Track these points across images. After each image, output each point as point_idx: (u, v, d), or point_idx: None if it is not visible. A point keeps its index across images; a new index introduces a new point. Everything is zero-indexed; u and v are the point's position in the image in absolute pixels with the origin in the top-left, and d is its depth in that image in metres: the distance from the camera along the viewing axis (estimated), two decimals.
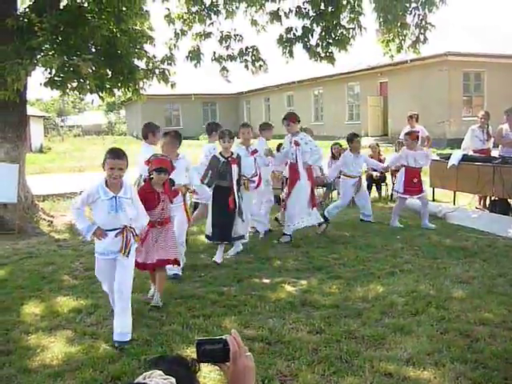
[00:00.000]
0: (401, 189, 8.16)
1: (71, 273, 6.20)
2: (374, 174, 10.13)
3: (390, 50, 9.42)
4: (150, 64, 9.62)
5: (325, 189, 10.95)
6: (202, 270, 6.14)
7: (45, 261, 6.71)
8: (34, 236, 8.37)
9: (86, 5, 9.07)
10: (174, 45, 9.53)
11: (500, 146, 9.36)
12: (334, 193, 11.07)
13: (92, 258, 6.68)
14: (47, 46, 8.07)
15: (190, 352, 3.95)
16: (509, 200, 8.61)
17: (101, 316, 4.76)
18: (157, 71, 9.46)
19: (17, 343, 4.23)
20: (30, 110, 23.29)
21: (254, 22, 9.98)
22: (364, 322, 4.40)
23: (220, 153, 6.52)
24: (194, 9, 10.20)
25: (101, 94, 9.12)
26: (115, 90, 9.40)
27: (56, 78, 8.16)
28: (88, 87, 8.54)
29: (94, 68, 8.45)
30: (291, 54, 9.12)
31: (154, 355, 3.77)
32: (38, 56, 7.98)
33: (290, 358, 3.80)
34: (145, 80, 9.75)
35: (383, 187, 11.18)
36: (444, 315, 4.44)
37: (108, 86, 9.09)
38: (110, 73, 9.01)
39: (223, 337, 1.41)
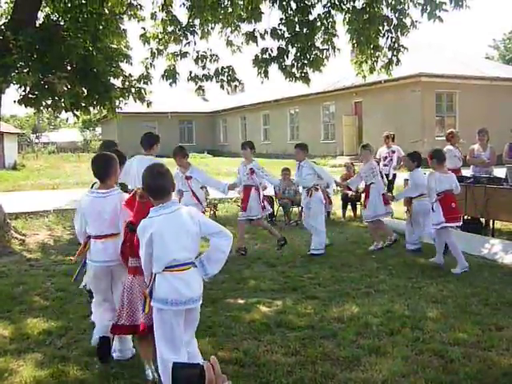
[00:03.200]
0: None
1: (42, 293, 6.05)
2: (350, 193, 10.24)
3: (362, 70, 9.57)
4: (126, 83, 9.61)
5: (301, 208, 10.99)
6: None
7: (15, 281, 6.55)
8: (5, 255, 8.17)
9: (62, 23, 9.05)
10: (150, 64, 9.54)
11: (471, 165, 9.53)
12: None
13: (64, 278, 6.60)
14: (22, 63, 7.99)
15: None
16: (481, 219, 8.76)
17: (72, 338, 4.64)
18: (133, 90, 9.45)
19: None
20: (3, 127, 22.99)
21: (229, 43, 10.05)
22: (339, 343, 4.39)
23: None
24: (169, 29, 10.23)
25: (76, 112, 9.06)
26: (90, 109, 9.34)
27: (30, 96, 8.09)
28: (63, 105, 8.50)
29: (69, 86, 8.40)
30: (266, 74, 9.20)
31: (125, 379, 3.71)
32: (13, 73, 7.90)
33: (265, 380, 3.75)
34: (121, 99, 9.72)
35: (358, 206, 11.27)
36: (419, 336, 4.45)
37: (83, 105, 9.04)
38: (85, 91, 8.96)
39: (201, 362, 1.37)
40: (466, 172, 9.54)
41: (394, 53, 8.97)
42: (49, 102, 8.39)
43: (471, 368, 3.82)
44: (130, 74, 9.59)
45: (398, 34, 8.76)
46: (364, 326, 4.72)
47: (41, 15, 8.96)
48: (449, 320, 4.84)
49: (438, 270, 6.72)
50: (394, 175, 11.15)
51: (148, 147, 6.47)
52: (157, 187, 3.42)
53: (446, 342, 4.31)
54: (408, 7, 8.78)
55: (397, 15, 8.64)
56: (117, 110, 10.05)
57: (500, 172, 9.07)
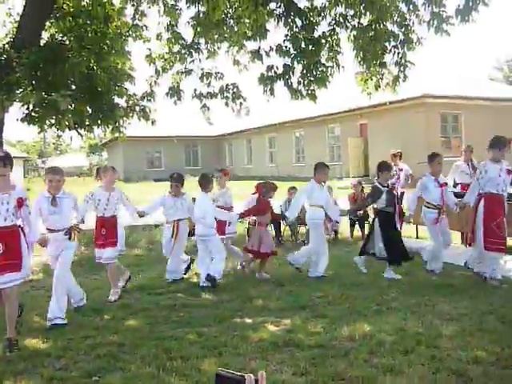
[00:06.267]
0: None
1: (42, 314, 5.86)
2: (358, 212, 10.04)
3: (367, 88, 9.48)
4: (130, 101, 9.55)
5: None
6: (180, 309, 5.86)
7: None
8: None
9: (66, 42, 9.04)
10: (155, 81, 9.49)
11: None
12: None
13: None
14: (25, 81, 7.95)
15: None
16: None
17: (71, 359, 4.44)
18: (137, 108, 9.38)
19: None
20: (9, 151, 23.08)
21: (235, 62, 10.01)
22: (351, 362, 4.16)
23: (380, 183, 7.26)
24: (175, 49, 10.22)
25: (79, 130, 8.98)
26: (94, 127, 9.27)
27: (33, 114, 8.02)
28: (66, 123, 8.42)
29: (72, 104, 8.34)
30: (272, 92, 9.11)
31: None
32: (16, 91, 7.84)
33: None
34: (125, 118, 9.66)
35: (366, 225, 11.07)
36: (435, 354, 4.22)
37: (87, 123, 8.97)
38: (89, 109, 8.91)
39: (245, 375, 1.27)
40: None
41: (401, 69, 8.89)
42: (52, 120, 8.32)
43: None
44: (134, 93, 9.54)
45: (405, 49, 8.69)
46: (377, 345, 4.50)
47: (45, 35, 8.95)
48: (465, 338, 4.61)
49: (451, 287, 6.49)
50: (402, 193, 10.95)
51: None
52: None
53: (464, 361, 4.07)
54: (413, 23, 8.74)
55: (403, 30, 8.59)
56: (121, 130, 9.98)
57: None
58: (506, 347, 4.37)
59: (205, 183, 7.20)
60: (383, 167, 7.29)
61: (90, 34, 8.75)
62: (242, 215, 7.84)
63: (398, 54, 8.72)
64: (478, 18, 7.35)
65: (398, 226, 7.50)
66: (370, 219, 10.85)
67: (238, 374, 1.27)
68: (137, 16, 10.35)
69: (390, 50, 8.74)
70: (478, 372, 3.85)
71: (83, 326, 5.35)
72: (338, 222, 9.42)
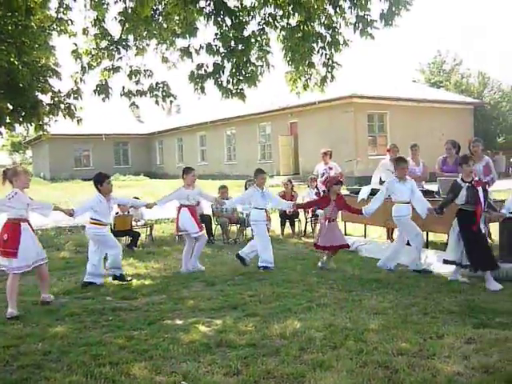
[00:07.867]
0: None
1: None
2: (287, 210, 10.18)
3: (296, 87, 9.64)
4: (55, 98, 9.18)
5: (239, 226, 10.86)
6: (109, 313, 5.71)
7: None
8: None
9: None
10: (81, 78, 9.16)
11: None
12: (248, 230, 11.00)
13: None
14: None
15: None
16: None
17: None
18: (62, 106, 9.03)
19: None
20: None
21: (164, 59, 9.87)
22: (282, 359, 4.22)
23: (462, 178, 6.66)
24: (102, 44, 9.92)
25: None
26: (16, 125, 8.84)
27: None
28: None
29: None
30: (203, 90, 9.06)
31: None
32: None
33: None
34: (50, 116, 9.28)
35: (296, 223, 11.28)
36: (362, 348, 4.36)
37: (8, 121, 8.54)
38: (10, 106, 8.48)
39: None
40: None
41: (329, 69, 9.10)
42: None
43: (416, 377, 3.75)
44: (59, 90, 9.17)
45: (332, 50, 8.90)
46: (307, 341, 4.58)
47: None
48: (391, 330, 4.79)
49: (377, 282, 6.73)
50: None
51: None
52: None
53: (390, 353, 4.23)
54: (340, 26, 8.96)
55: (330, 32, 8.79)
56: (47, 129, 9.58)
57: (432, 188, 9.30)
58: (429, 338, 4.59)
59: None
60: (462, 160, 6.72)
61: (10, 27, 8.32)
62: (298, 206, 8.88)
63: (326, 54, 8.92)
64: (401, 23, 7.62)
65: (482, 227, 6.75)
66: (302, 217, 11.10)
67: None
68: (61, 9, 9.95)
69: (318, 51, 8.93)
70: (402, 363, 4.00)
71: (5, 335, 5.08)
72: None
